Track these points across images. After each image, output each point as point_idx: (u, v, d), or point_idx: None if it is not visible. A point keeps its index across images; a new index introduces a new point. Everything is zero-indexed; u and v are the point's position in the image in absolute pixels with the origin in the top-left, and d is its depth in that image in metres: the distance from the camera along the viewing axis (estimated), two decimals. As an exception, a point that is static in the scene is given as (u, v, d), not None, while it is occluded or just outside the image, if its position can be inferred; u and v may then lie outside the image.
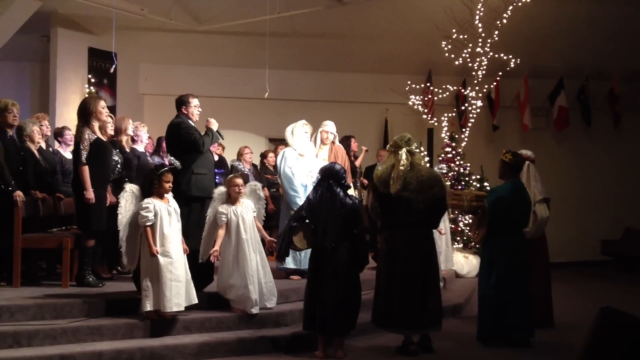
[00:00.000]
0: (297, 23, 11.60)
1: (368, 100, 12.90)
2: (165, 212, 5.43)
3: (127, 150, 7.28)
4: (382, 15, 11.56)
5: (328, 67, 12.69)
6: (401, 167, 5.57)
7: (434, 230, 5.90)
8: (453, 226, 10.05)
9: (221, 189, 6.00)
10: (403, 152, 5.64)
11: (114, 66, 10.79)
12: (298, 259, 7.01)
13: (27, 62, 12.45)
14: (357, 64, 12.67)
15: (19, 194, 6.10)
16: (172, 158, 6.31)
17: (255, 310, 5.73)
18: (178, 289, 5.32)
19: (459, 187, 10.17)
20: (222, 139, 6.61)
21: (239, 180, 5.96)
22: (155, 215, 5.35)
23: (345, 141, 9.14)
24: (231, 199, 5.91)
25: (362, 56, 12.51)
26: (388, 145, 5.96)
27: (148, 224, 5.34)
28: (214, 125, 6.38)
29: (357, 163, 9.69)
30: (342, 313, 5.31)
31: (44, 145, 7.23)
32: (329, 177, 5.53)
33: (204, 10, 11.77)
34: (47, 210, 6.83)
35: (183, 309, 5.40)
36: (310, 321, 5.37)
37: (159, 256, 5.29)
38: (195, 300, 5.49)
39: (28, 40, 11.62)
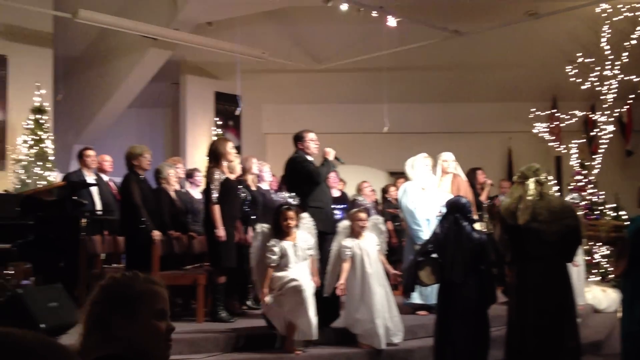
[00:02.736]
0: (414, 56, 11.61)
1: (490, 129, 12.64)
2: (292, 250, 5.52)
3: (253, 188, 7.52)
4: (502, 43, 11.35)
5: (447, 99, 12.58)
6: (529, 198, 5.37)
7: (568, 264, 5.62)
8: (588, 258, 9.53)
9: (345, 223, 6.03)
10: (531, 182, 5.45)
11: (239, 109, 11.22)
12: (425, 294, 6.88)
13: (159, 108, 13.24)
14: (477, 93, 12.47)
15: (156, 234, 6.44)
16: (287, 194, 6.41)
17: (382, 345, 5.67)
18: (309, 316, 5.37)
19: (593, 217, 9.66)
20: (343, 163, 6.63)
21: (363, 215, 5.97)
22: (283, 255, 5.47)
23: (471, 174, 8.94)
24: (355, 233, 5.93)
25: (481, 85, 12.31)
26: (515, 176, 5.78)
27: (272, 264, 5.47)
28: (331, 154, 6.42)
29: (482, 198, 9.39)
30: (473, 350, 5.15)
31: (178, 187, 7.63)
32: (455, 210, 5.42)
33: (322, 50, 12.06)
34: (182, 249, 7.16)
35: (315, 337, 5.43)
36: (440, 358, 5.24)
37: (287, 285, 5.37)
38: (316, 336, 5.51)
39: (160, 88, 12.39)
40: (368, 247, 5.88)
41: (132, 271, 1.93)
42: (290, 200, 5.76)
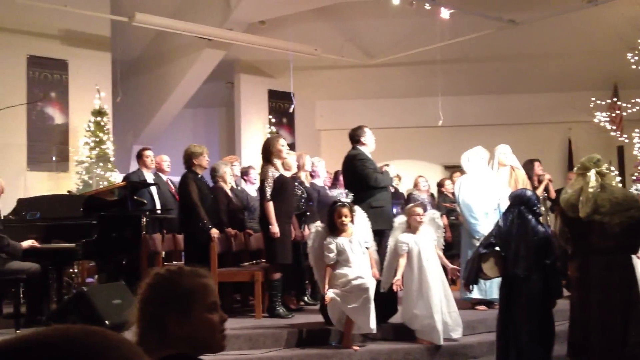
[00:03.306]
0: (468, 48, 11.45)
1: (548, 120, 12.35)
2: (349, 246, 5.53)
3: (307, 185, 7.55)
4: (558, 31, 11.07)
5: (503, 90, 12.36)
6: (590, 189, 5.23)
7: (633, 256, 5.45)
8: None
9: (401, 219, 6.00)
10: (592, 173, 5.30)
11: (292, 106, 11.29)
12: (483, 289, 6.79)
13: (214, 107, 13.44)
14: (534, 84, 12.21)
15: (214, 232, 6.54)
16: (345, 191, 6.42)
17: (441, 341, 5.62)
18: (370, 313, 5.38)
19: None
20: (393, 189, 6.64)
21: (419, 209, 5.93)
22: (341, 252, 5.49)
23: (527, 165, 8.76)
24: (411, 228, 5.89)
25: (538, 76, 12.05)
26: (575, 168, 5.64)
27: (330, 262, 5.49)
28: (392, 171, 6.44)
29: (539, 192, 9.14)
30: (537, 346, 5.05)
31: (234, 185, 7.74)
32: (520, 203, 5.31)
33: (374, 45, 12.02)
34: (239, 246, 7.25)
35: (374, 330, 5.45)
36: (503, 354, 5.16)
37: (353, 282, 5.39)
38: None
39: (214, 88, 12.57)
40: (425, 242, 5.84)
41: (175, 265, 1.92)
42: (343, 197, 5.77)
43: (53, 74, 10.15)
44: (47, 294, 6.46)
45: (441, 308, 5.71)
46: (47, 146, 9.92)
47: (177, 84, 11.48)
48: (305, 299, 7.32)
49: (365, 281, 5.38)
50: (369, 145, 6.44)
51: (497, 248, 5.21)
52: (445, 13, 9.90)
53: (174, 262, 7.22)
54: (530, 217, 5.21)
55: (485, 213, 7.00)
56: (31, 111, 9.82)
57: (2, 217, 6.44)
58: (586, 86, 11.85)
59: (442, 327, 5.65)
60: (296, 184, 7.08)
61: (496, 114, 12.45)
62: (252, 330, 5.76)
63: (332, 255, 5.48)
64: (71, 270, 8.10)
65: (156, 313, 1.80)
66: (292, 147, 11.49)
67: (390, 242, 5.93)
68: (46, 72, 10.09)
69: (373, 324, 5.39)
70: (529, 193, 5.39)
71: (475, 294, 6.74)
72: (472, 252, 5.76)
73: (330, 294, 5.41)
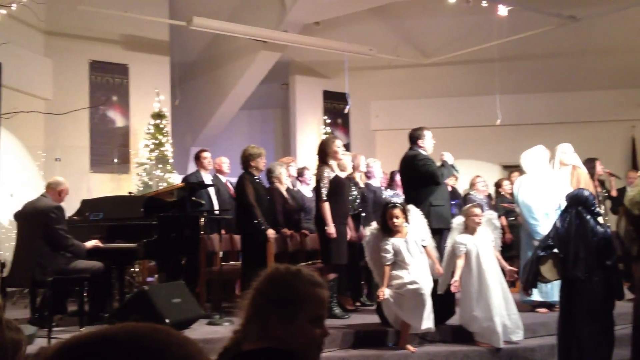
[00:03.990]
0: (526, 45, 11.23)
1: (611, 118, 11.99)
2: (404, 246, 5.49)
3: (362, 185, 7.53)
4: (620, 27, 10.75)
5: (563, 87, 12.07)
6: (657, 188, 5.05)
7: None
8: None
9: (459, 219, 5.93)
10: (658, 172, 5.12)
11: (347, 107, 11.29)
12: (544, 291, 6.64)
13: (269, 109, 13.55)
14: (596, 81, 11.88)
15: (270, 232, 6.59)
16: (398, 192, 6.39)
17: (501, 344, 5.52)
18: (424, 314, 5.33)
19: None
20: (457, 172, 6.58)
21: (477, 210, 5.85)
22: (397, 253, 5.45)
23: (588, 164, 8.52)
24: (469, 229, 5.81)
25: (600, 72, 11.71)
26: (641, 167, 5.46)
27: (387, 263, 5.46)
28: (449, 158, 6.38)
29: (613, 193, 8.84)
30: (599, 348, 4.91)
31: (290, 186, 7.78)
32: (578, 203, 5.18)
33: (430, 44, 11.91)
34: (295, 246, 7.29)
35: (433, 329, 5.41)
36: (565, 357, 5.03)
37: (408, 287, 5.35)
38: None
39: (270, 89, 12.67)
40: (483, 243, 5.75)
41: (296, 268, 1.93)
42: (394, 198, 5.76)
43: (114, 78, 10.42)
44: (109, 292, 6.63)
45: (501, 310, 5.61)
46: (108, 148, 10.19)
47: (233, 86, 11.63)
48: (362, 299, 7.31)
49: (420, 286, 5.33)
50: (426, 148, 6.42)
51: (555, 250, 5.09)
52: (503, 10, 9.73)
53: (231, 263, 7.31)
54: (588, 217, 5.07)
55: (545, 214, 6.84)
56: (94, 115, 10.10)
57: (67, 218, 6.64)
58: (651, 82, 11.48)
59: (502, 329, 5.55)
60: (351, 184, 7.07)
61: (556, 112, 12.16)
62: (308, 331, 5.76)
63: (389, 255, 5.46)
64: (132, 269, 8.29)
65: (264, 307, 1.82)
66: (347, 147, 11.47)
67: (448, 244, 5.86)
68: (108, 76, 10.37)
69: (428, 323, 5.34)
70: (587, 193, 5.24)
71: (536, 296, 6.60)
72: (531, 254, 5.64)
73: (385, 293, 5.39)
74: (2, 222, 8.65)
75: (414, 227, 5.63)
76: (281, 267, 1.92)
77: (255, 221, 6.60)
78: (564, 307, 5.12)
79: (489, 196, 9.98)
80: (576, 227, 5.07)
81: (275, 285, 1.85)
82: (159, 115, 10.14)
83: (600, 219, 5.47)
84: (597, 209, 5.23)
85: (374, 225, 5.79)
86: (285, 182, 7.54)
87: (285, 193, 7.43)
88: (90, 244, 6.22)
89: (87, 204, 7.14)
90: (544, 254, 5.14)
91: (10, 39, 7.83)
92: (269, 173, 7.42)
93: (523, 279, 5.37)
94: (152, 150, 9.98)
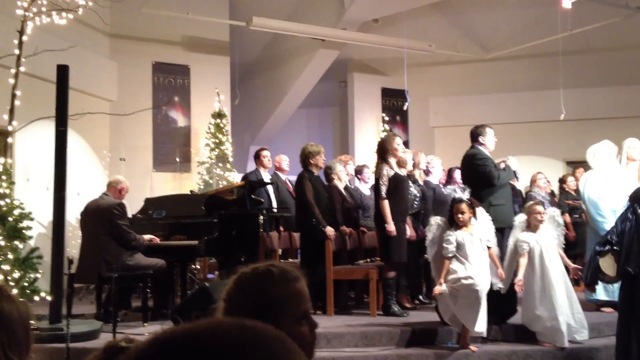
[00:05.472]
0: (592, 38, 10.91)
1: (681, 112, 11.52)
2: (469, 239, 5.39)
3: (421, 183, 7.46)
4: (693, 16, 10.30)
5: (630, 81, 11.66)
6: None
7: None
8: None
9: (521, 217, 5.81)
10: None
11: (407, 103, 11.20)
12: (610, 290, 6.42)
13: (327, 107, 13.58)
14: (665, 73, 11.44)
15: (329, 230, 6.61)
16: (459, 186, 6.27)
17: (565, 343, 5.38)
18: (479, 315, 5.23)
19: None
20: (518, 180, 6.46)
21: (540, 208, 5.71)
22: (459, 246, 5.36)
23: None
24: (531, 227, 5.68)
25: (669, 64, 11.27)
26: None
27: (449, 255, 5.37)
28: (513, 163, 6.27)
29: None
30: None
31: (348, 184, 7.78)
32: (634, 200, 5.01)
33: (491, 39, 11.70)
34: (353, 244, 7.28)
35: (484, 334, 5.31)
36: (623, 356, 4.86)
37: (463, 281, 5.26)
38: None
39: (328, 87, 12.69)
40: (546, 241, 5.61)
41: (265, 266, 1.70)
42: (458, 193, 5.66)
43: (176, 79, 10.63)
44: (172, 288, 6.78)
45: (565, 309, 5.47)
46: (171, 148, 10.41)
47: (292, 84, 11.70)
48: (421, 297, 7.24)
49: (475, 282, 5.22)
50: (487, 146, 6.29)
51: (615, 247, 4.92)
52: (567, 2, 9.46)
53: (290, 260, 7.36)
54: None
55: (612, 210, 6.62)
56: (156, 115, 10.34)
57: (131, 216, 6.82)
58: None
59: (566, 329, 5.41)
60: (410, 182, 7.01)
61: (623, 106, 11.76)
62: (367, 328, 5.76)
63: (450, 247, 5.36)
64: (194, 266, 8.45)
65: (240, 317, 1.72)
66: (405, 144, 11.38)
67: (510, 242, 5.75)
68: (170, 77, 10.59)
69: (481, 327, 5.22)
70: None
71: (602, 295, 6.41)
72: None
73: (441, 288, 5.31)
74: (70, 221, 8.95)
75: (481, 226, 5.53)
76: (247, 270, 1.68)
77: (313, 219, 6.62)
78: (623, 304, 4.95)
79: (552, 193, 9.74)
80: (633, 222, 4.90)
81: (246, 295, 1.64)
82: (219, 115, 10.29)
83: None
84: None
85: (439, 218, 5.69)
86: (343, 179, 7.54)
87: (343, 191, 7.43)
88: (147, 237, 6.42)
89: (150, 203, 7.31)
90: (602, 249, 4.97)
91: (77, 42, 8.09)
92: (328, 171, 7.44)
93: (584, 276, 5.22)
94: (212, 149, 10.14)
